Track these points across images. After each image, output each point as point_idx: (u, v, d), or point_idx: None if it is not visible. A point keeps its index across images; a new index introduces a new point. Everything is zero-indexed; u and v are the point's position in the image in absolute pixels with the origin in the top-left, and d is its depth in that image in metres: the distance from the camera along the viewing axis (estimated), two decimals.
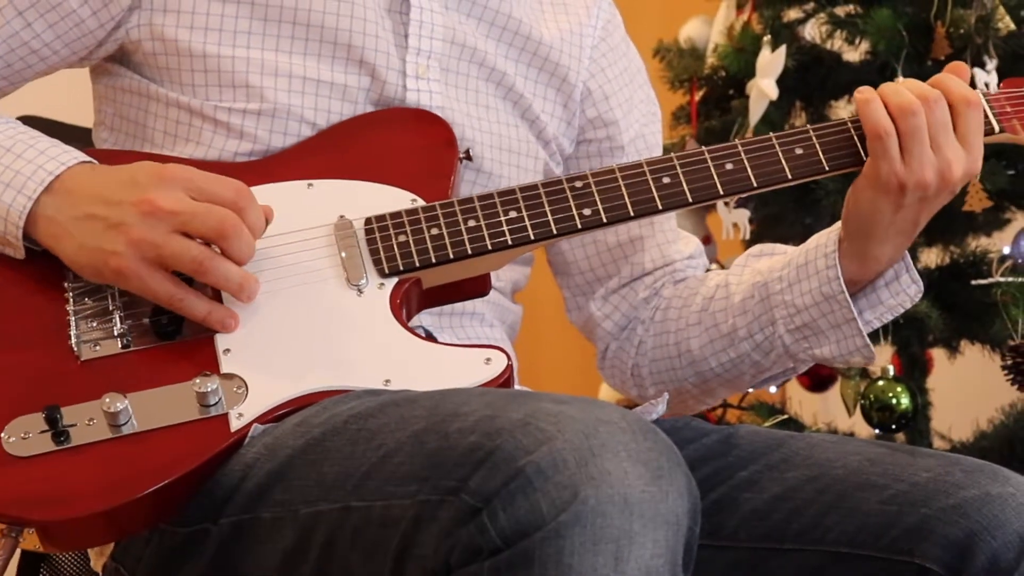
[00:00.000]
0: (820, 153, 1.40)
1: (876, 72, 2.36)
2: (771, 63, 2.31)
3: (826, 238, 1.45)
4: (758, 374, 1.52)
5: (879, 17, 2.27)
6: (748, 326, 1.48)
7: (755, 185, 1.39)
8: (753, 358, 1.49)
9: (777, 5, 2.42)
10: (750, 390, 2.42)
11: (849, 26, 2.34)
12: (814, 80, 2.39)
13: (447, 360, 1.30)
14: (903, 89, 1.38)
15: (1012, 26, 2.27)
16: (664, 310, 1.56)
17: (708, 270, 1.61)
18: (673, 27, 2.63)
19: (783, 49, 2.31)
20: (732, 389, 1.56)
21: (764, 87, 2.31)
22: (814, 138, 1.40)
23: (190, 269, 1.28)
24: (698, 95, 2.49)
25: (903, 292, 1.45)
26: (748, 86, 2.36)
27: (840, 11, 2.39)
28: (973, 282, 2.28)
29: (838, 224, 1.45)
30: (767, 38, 2.34)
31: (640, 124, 1.61)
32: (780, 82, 2.31)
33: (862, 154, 1.40)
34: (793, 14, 2.44)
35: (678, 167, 1.39)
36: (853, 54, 2.41)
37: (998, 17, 2.25)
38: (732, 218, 2.36)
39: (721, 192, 1.39)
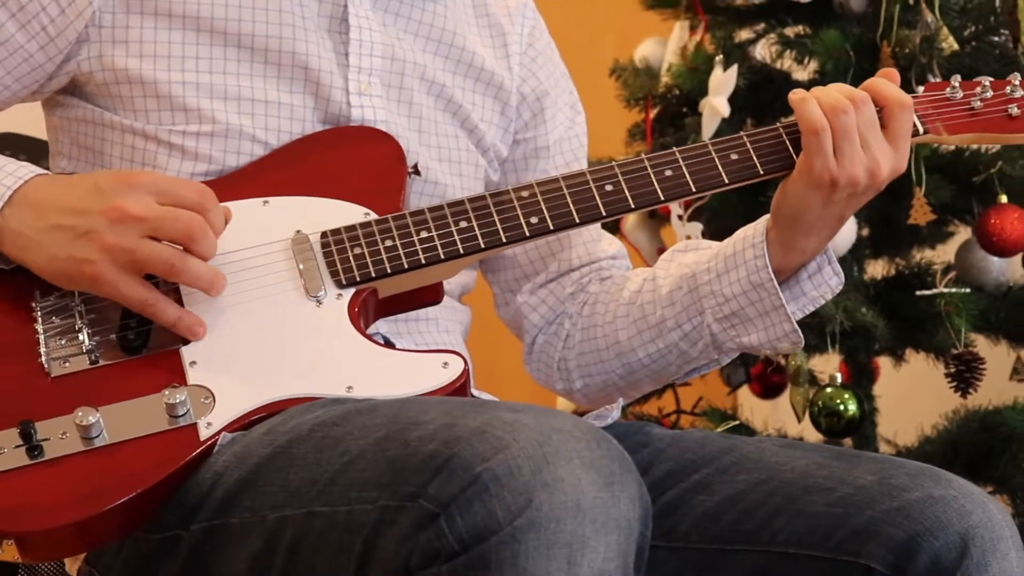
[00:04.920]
0: (754, 157, 1.43)
1: None
2: (723, 82, 2.32)
3: (753, 230, 1.48)
4: (684, 364, 1.53)
5: (827, 37, 2.28)
6: (676, 316, 1.50)
7: (694, 190, 1.42)
8: (680, 348, 1.51)
9: (729, 26, 2.44)
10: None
11: (798, 46, 2.35)
12: (765, 98, 2.39)
13: (406, 365, 1.33)
14: (832, 90, 1.41)
15: (955, 46, 2.27)
16: (592, 304, 1.58)
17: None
18: (628, 47, 2.64)
19: (735, 68, 2.32)
20: (657, 381, 1.57)
21: (716, 105, 2.31)
22: (748, 144, 1.44)
23: (163, 271, 1.31)
24: (653, 113, 2.50)
25: (825, 284, 1.48)
26: (701, 104, 2.37)
27: (790, 31, 2.40)
28: (918, 293, 2.29)
29: (765, 218, 1.48)
30: (719, 58, 2.34)
31: (564, 127, 1.63)
32: (732, 100, 2.32)
33: (793, 157, 1.43)
34: (744, 35, 2.45)
35: (620, 175, 1.42)
36: (802, 73, 2.41)
37: (942, 37, 2.25)
38: (686, 231, 2.36)
39: (662, 197, 1.42)
